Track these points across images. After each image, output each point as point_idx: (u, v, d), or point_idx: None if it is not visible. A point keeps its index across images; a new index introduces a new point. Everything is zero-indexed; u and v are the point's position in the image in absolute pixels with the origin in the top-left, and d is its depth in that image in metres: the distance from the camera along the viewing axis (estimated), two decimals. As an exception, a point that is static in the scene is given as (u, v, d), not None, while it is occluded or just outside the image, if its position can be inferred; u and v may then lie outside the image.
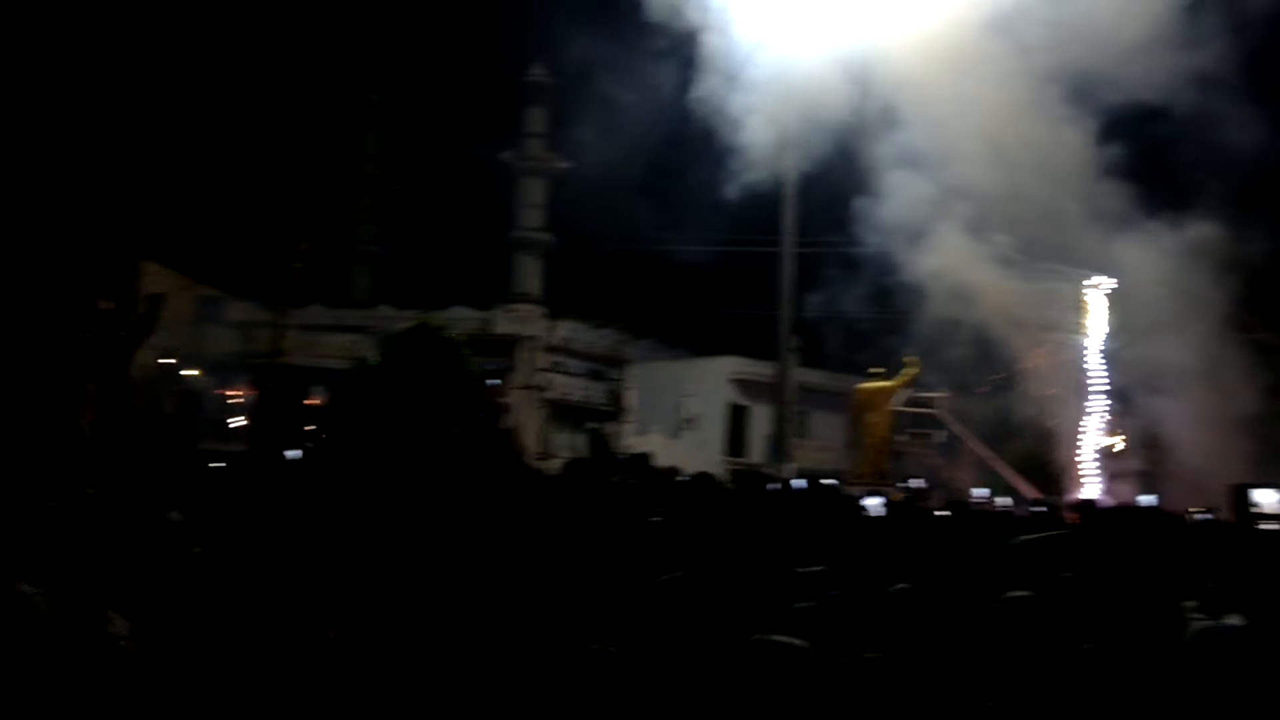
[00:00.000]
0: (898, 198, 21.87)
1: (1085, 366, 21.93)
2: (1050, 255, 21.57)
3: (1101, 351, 21.81)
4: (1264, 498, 14.46)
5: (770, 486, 7.66)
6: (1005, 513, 11.87)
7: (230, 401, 28.06)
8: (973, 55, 21.39)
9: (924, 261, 21.81)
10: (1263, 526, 12.64)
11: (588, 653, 2.28)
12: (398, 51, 44.06)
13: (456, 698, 2.35)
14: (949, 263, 21.57)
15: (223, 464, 7.86)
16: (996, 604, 3.98)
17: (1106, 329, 21.83)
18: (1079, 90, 21.14)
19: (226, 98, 39.64)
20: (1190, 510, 13.35)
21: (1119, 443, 22.02)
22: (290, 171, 38.53)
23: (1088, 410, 21.74)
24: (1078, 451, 21.84)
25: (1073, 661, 2.86)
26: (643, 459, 6.17)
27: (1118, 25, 20.55)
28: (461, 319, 32.56)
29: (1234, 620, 3.66)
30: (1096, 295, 21.75)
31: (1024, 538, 4.33)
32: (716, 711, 2.81)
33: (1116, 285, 21.59)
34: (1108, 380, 21.76)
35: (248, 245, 34.41)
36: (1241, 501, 14.04)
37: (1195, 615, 3.65)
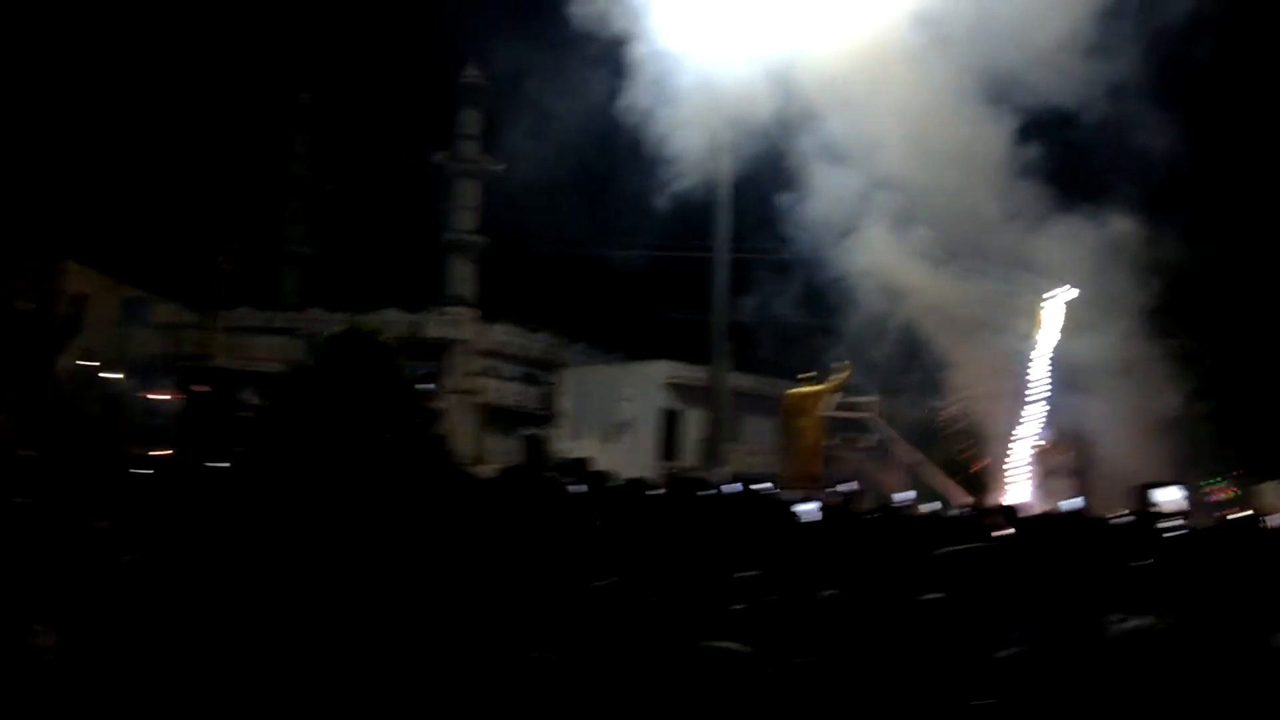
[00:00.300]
0: (829, 199, 22.15)
1: (1025, 371, 22.17)
2: (977, 255, 21.89)
3: (1048, 360, 22.04)
4: (1164, 496, 15.03)
5: (704, 492, 7.72)
6: (932, 517, 12.03)
7: (163, 407, 27.55)
8: (899, 58, 21.72)
9: (855, 260, 22.09)
10: (1162, 525, 13.07)
11: (528, 660, 2.29)
12: (330, 51, 43.70)
13: (395, 705, 2.34)
14: (880, 261, 21.85)
15: (149, 470, 7.70)
16: (912, 606, 4.07)
17: (1055, 338, 22.07)
18: (1004, 92, 21.59)
19: (154, 95, 38.97)
20: (1112, 513, 13.65)
21: (1048, 445, 22.34)
22: (219, 171, 37.95)
23: (1023, 415, 22.00)
24: (1008, 454, 22.14)
25: (988, 664, 2.92)
26: (582, 463, 6.18)
27: (1041, 29, 21.00)
28: (393, 322, 32.30)
29: (1139, 621, 3.76)
30: (1053, 304, 21.99)
31: (947, 549, 4.39)
32: (658, 718, 2.83)
33: (1075, 294, 21.89)
34: (1047, 387, 22.02)
35: (174, 245, 33.83)
36: (1143, 501, 14.55)
37: (1116, 616, 3.74)
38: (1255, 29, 24.54)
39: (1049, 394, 21.99)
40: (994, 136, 21.72)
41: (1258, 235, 24.73)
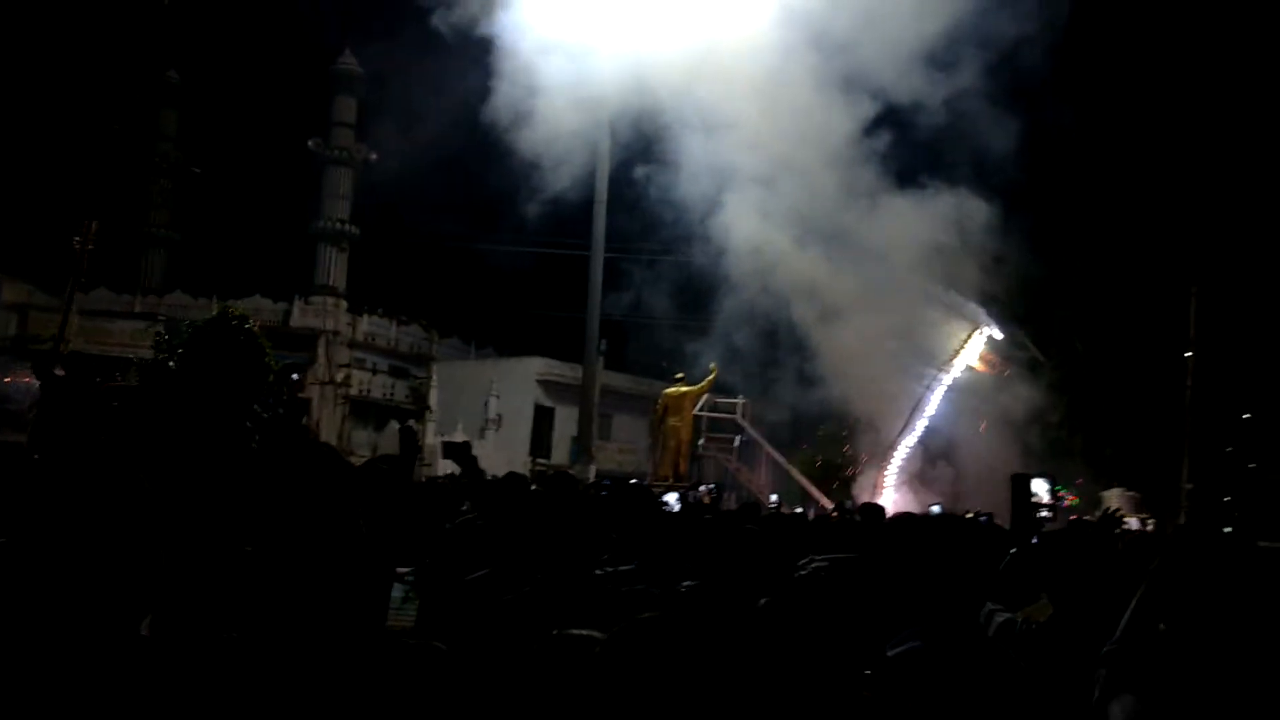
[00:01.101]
0: (705, 187, 22.43)
1: (920, 389, 22.57)
2: (846, 243, 22.28)
3: (947, 386, 22.47)
4: (1038, 487, 15.73)
5: (578, 488, 7.81)
6: (794, 517, 12.37)
7: (14, 392, 26.36)
8: (770, 51, 22.07)
9: (736, 249, 22.37)
10: (1041, 515, 13.79)
11: (409, 648, 2.35)
12: (202, 28, 42.30)
13: (270, 694, 2.37)
14: (760, 245, 22.15)
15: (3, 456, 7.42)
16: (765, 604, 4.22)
17: (966, 369, 22.57)
18: (862, 82, 22.15)
19: (8, 65, 37.23)
20: (968, 513, 14.19)
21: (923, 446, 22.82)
22: (78, 147, 36.42)
23: (907, 428, 22.43)
24: (881, 460, 22.60)
25: (878, 661, 3.07)
26: (465, 446, 6.18)
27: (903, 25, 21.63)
28: (260, 310, 31.56)
29: (1010, 615, 3.99)
30: (978, 338, 22.47)
31: (814, 562, 4.52)
32: (520, 707, 2.91)
33: (999, 335, 22.52)
34: (938, 407, 22.46)
35: (27, 223, 32.46)
36: (1021, 490, 15.17)
37: (994, 607, 3.95)
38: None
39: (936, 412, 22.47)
40: (855, 133, 22.28)
41: (1109, 253, 25.94)
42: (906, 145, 22.98)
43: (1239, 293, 24.96)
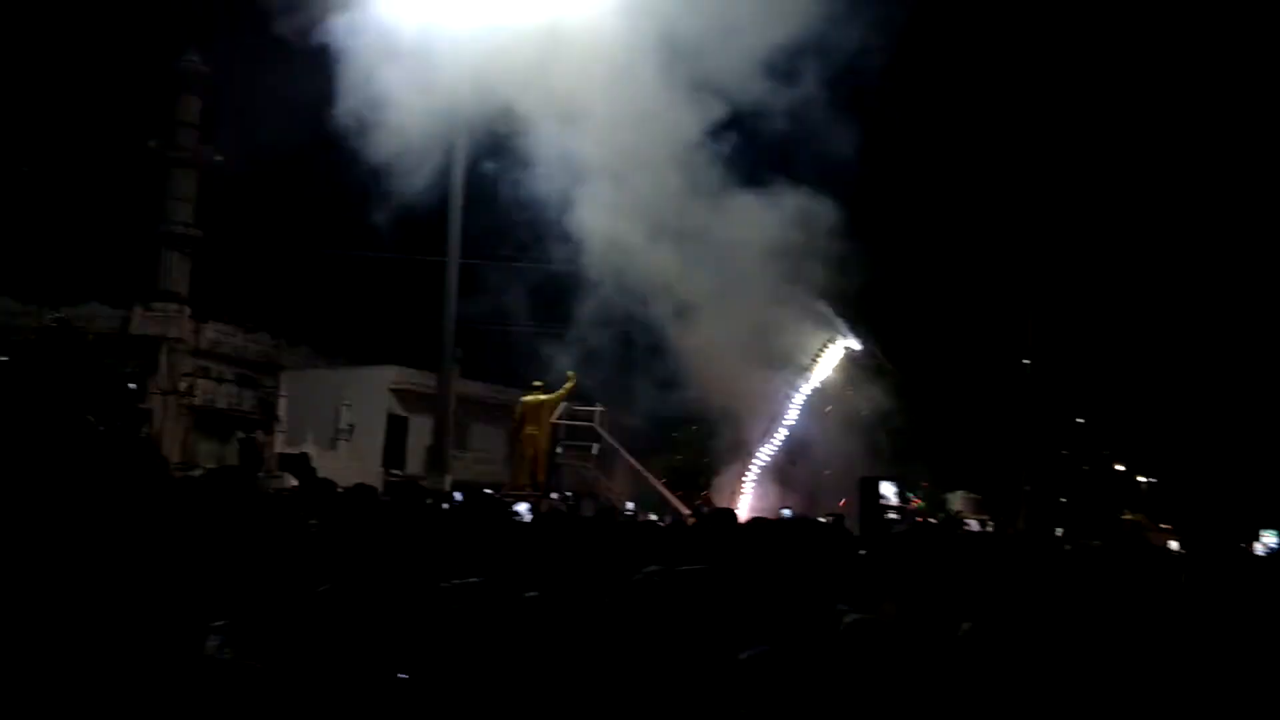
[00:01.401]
0: (553, 181, 22.39)
1: (778, 397, 22.89)
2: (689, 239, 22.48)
3: (806, 397, 22.83)
4: (887, 490, 16.18)
5: (429, 499, 7.68)
6: (647, 524, 12.42)
7: None
8: (617, 45, 22.15)
9: (588, 238, 22.38)
10: (889, 516, 14.24)
11: (225, 666, 2.26)
12: (33, 20, 40.34)
13: (107, 705, 2.25)
14: (612, 240, 22.19)
15: None
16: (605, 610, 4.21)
17: (821, 380, 22.96)
18: (710, 82, 22.42)
19: None
20: (818, 516, 14.49)
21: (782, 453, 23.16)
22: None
23: (765, 431, 22.73)
24: (740, 463, 22.88)
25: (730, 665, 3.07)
26: (303, 458, 6.03)
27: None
28: (97, 317, 30.24)
29: (860, 615, 4.06)
30: (835, 349, 22.83)
31: (651, 570, 4.53)
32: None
33: (861, 350, 22.94)
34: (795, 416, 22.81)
35: None
36: (870, 493, 15.58)
37: (843, 609, 4.02)
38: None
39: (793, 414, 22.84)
40: (703, 131, 22.53)
41: (951, 260, 26.85)
42: (755, 146, 23.40)
43: (1075, 302, 26.10)
